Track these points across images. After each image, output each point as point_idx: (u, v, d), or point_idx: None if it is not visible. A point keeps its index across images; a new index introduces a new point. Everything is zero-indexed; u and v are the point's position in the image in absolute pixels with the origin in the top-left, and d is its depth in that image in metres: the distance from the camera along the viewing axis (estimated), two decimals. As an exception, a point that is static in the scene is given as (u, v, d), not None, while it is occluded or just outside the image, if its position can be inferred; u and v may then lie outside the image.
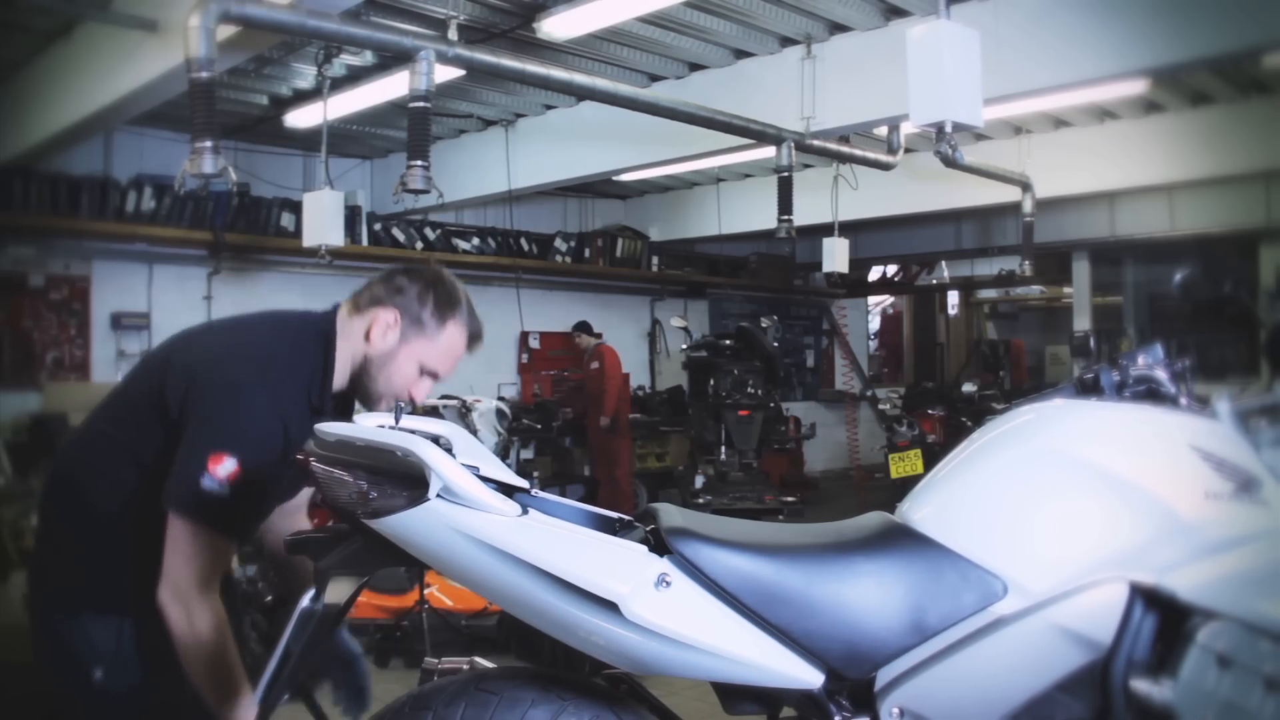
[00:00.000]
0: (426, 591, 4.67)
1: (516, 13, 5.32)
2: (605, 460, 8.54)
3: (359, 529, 1.39)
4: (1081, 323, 10.83)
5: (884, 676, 1.38)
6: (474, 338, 1.97)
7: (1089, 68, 5.09)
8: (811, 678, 1.35)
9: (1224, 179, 8.13)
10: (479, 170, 7.75)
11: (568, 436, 9.14)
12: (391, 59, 5.60)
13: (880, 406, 8.83)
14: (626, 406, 8.82)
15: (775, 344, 8.57)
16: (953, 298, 15.61)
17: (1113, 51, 4.94)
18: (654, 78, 6.49)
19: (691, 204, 10.32)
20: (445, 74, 5.15)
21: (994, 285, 13.18)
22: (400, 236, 8.54)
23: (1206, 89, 7.10)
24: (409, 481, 1.33)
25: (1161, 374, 1.61)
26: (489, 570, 1.31)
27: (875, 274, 13.60)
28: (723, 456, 8.00)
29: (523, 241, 9.40)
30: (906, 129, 6.48)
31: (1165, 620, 1.38)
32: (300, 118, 6.89)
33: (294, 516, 2.05)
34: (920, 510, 1.48)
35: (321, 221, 5.83)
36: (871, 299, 14.80)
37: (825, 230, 7.72)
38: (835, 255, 7.58)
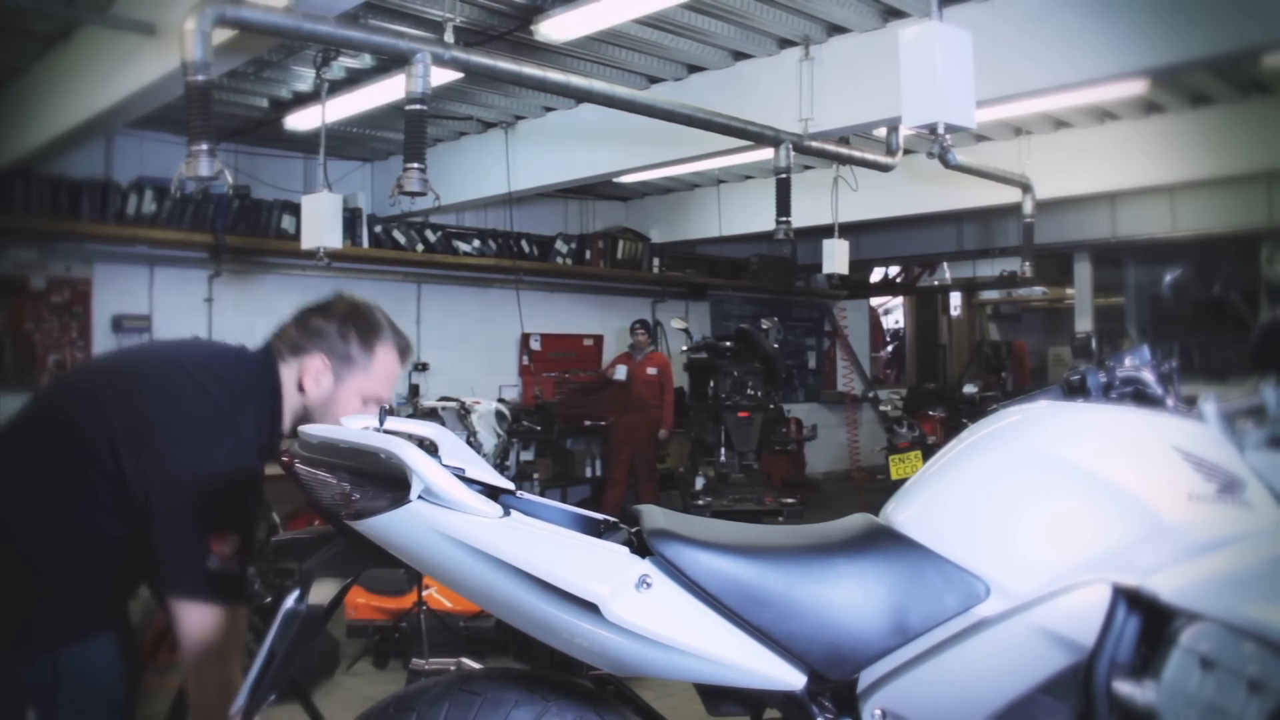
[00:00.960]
0: (425, 593, 4.68)
1: (514, 15, 5.33)
2: (645, 463, 8.61)
3: (343, 530, 1.40)
4: (1083, 324, 10.80)
5: (866, 678, 1.38)
6: (404, 352, 1.95)
7: (1089, 68, 5.07)
8: (793, 679, 1.35)
9: (1225, 179, 8.11)
10: (479, 172, 7.76)
11: (569, 438, 9.17)
12: (389, 61, 5.61)
13: (881, 408, 8.82)
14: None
15: (775, 345, 8.58)
16: (955, 299, 15.59)
17: (1113, 51, 4.93)
18: (652, 79, 6.49)
19: (692, 206, 10.32)
20: (443, 77, 5.16)
21: (996, 286, 13.15)
22: (401, 239, 8.55)
23: (1207, 89, 7.08)
24: (391, 483, 1.33)
25: (1148, 375, 1.61)
26: (471, 571, 1.31)
27: (877, 275, 13.59)
28: (723, 458, 8.00)
29: (523, 243, 9.41)
30: (905, 130, 6.47)
31: (1148, 622, 1.38)
32: (300, 120, 6.90)
33: None
34: (903, 512, 1.48)
35: (320, 224, 5.83)
36: (880, 307, 14.79)
37: (826, 232, 7.71)
38: (835, 256, 7.57)
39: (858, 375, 13.48)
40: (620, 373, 8.76)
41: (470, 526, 1.30)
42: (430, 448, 1.47)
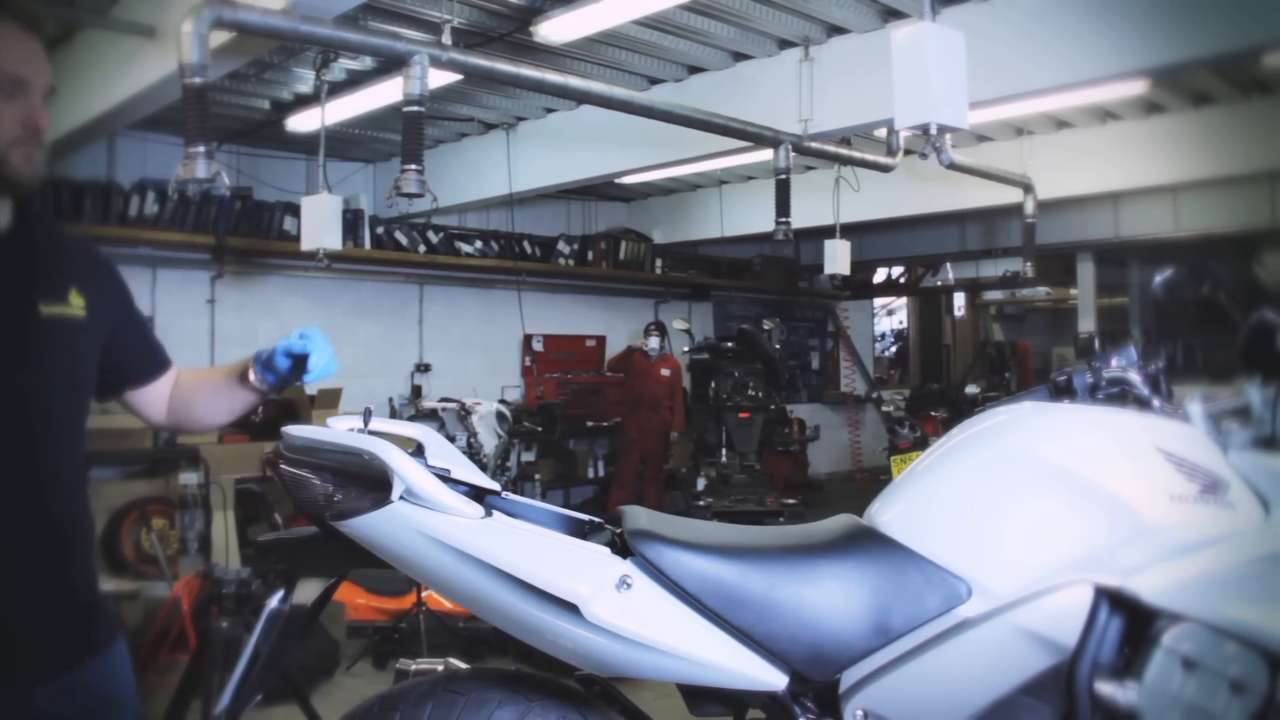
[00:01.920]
0: (424, 594, 4.69)
1: (514, 17, 5.33)
2: (653, 463, 8.66)
3: (326, 531, 1.40)
4: (1086, 324, 10.78)
5: (848, 679, 1.38)
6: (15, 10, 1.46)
7: (1089, 68, 5.06)
8: (775, 680, 1.36)
9: (1228, 179, 8.09)
10: (480, 173, 7.76)
11: (571, 439, 9.17)
12: (389, 63, 5.62)
13: (884, 408, 8.81)
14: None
15: (777, 346, 8.59)
16: (959, 299, 15.58)
17: (1113, 51, 4.92)
18: (652, 80, 6.50)
19: (695, 206, 10.32)
20: (442, 78, 5.16)
21: (999, 287, 13.13)
22: (403, 240, 8.56)
23: (1208, 89, 7.06)
24: (374, 484, 1.34)
25: (1134, 376, 1.61)
26: (453, 572, 1.32)
27: (880, 275, 13.58)
28: (724, 459, 8.00)
29: (525, 244, 9.42)
30: (905, 131, 6.46)
31: (1130, 623, 1.38)
32: (301, 122, 6.92)
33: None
34: (886, 513, 1.48)
35: (319, 225, 5.84)
36: (883, 308, 14.77)
37: (828, 232, 7.70)
38: (837, 257, 7.57)
39: (860, 376, 13.47)
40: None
41: (451, 527, 1.31)
42: (416, 450, 1.49)
